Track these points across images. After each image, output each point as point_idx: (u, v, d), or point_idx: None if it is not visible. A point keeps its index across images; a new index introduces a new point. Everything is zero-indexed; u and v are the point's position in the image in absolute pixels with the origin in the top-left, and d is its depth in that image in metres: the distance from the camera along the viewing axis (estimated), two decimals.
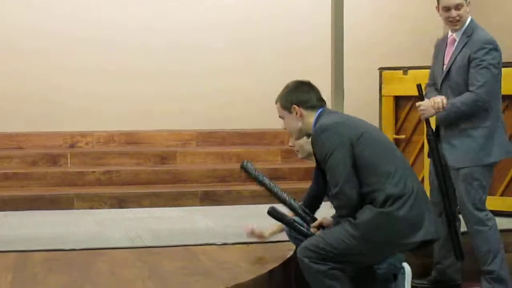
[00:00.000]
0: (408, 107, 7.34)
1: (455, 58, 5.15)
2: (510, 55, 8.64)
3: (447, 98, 5.07)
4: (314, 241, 4.39)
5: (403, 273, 4.82)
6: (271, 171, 9.12)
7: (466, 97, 5.03)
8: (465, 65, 5.07)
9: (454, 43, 5.20)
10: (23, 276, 4.97)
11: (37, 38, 10.63)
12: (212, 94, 11.00)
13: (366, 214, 4.24)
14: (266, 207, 8.03)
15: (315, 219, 4.64)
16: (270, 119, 10.50)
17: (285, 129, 4.70)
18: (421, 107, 5.13)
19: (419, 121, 7.26)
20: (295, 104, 4.50)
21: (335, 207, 4.40)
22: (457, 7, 5.12)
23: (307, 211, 4.81)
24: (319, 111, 4.49)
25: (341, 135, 4.24)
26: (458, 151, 5.10)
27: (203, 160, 9.52)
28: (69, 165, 9.15)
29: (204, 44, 11.06)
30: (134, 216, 7.62)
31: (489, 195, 6.89)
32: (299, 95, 4.53)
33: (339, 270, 4.28)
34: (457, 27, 5.18)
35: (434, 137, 5.15)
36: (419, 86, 5.18)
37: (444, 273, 5.60)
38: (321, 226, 4.54)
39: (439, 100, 5.01)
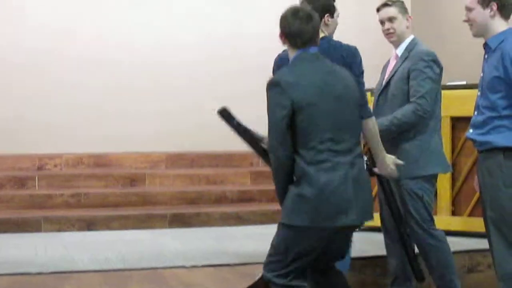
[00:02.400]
0: None
1: (395, 71, 5.19)
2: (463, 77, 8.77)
3: (383, 111, 5.10)
4: (268, 252, 4.24)
5: None
6: (240, 193, 9.14)
7: (406, 108, 5.02)
8: (404, 78, 5.10)
9: (396, 58, 5.27)
10: None
11: (4, 61, 10.57)
12: (181, 116, 10.98)
13: (287, 198, 4.07)
14: (235, 229, 8.08)
15: None
16: (238, 141, 10.62)
17: None
18: None
19: None
20: (287, 38, 4.14)
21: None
22: (390, 19, 5.21)
23: None
24: (298, 52, 4.13)
25: (286, 97, 3.98)
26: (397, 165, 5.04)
27: (172, 182, 9.50)
28: (37, 187, 9.09)
29: (174, 64, 11.05)
30: (103, 239, 7.57)
31: (457, 215, 7.01)
32: (290, 25, 4.08)
33: (300, 279, 4.12)
34: (393, 39, 5.25)
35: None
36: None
37: None
38: None
39: None
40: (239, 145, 10.52)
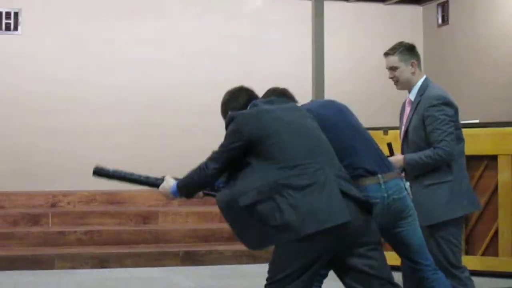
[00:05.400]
0: None
1: (411, 118, 5.17)
2: (492, 115, 8.79)
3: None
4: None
5: None
6: None
7: (429, 151, 4.95)
8: (420, 124, 5.07)
9: (411, 104, 5.25)
10: None
11: (18, 99, 10.68)
12: (194, 154, 10.99)
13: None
14: (248, 267, 8.07)
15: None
16: None
17: None
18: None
19: None
20: (230, 111, 4.32)
21: None
22: (392, 68, 5.20)
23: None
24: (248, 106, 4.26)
25: (243, 129, 3.99)
26: (425, 209, 5.02)
27: (185, 220, 9.52)
28: (50, 224, 9.12)
29: (185, 104, 11.14)
30: (115, 277, 7.58)
31: (470, 254, 6.99)
32: (229, 103, 4.38)
33: None
34: (399, 87, 5.24)
35: None
36: (389, 145, 5.20)
37: None
38: None
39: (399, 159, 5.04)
40: None
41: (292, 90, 4.72)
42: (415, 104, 5.14)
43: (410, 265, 4.56)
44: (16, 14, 10.93)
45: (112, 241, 8.75)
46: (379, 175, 4.31)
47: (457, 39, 11.45)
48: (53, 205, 9.73)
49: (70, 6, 11.08)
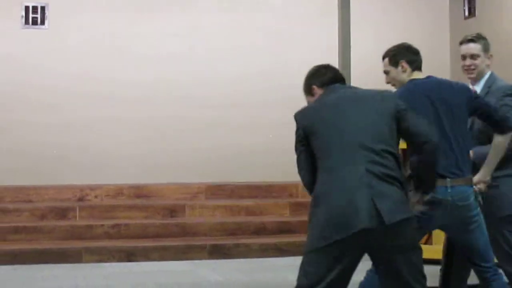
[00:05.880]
0: None
1: None
2: None
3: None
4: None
5: None
6: (279, 224, 9.12)
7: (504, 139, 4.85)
8: None
9: None
10: None
11: (47, 94, 10.72)
12: (221, 147, 11.03)
13: None
14: (275, 260, 8.07)
15: None
16: (278, 172, 10.67)
17: None
18: None
19: None
20: (314, 85, 4.40)
21: None
22: (472, 56, 5.13)
23: None
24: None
25: (299, 127, 4.10)
26: (492, 202, 4.86)
27: (212, 213, 9.52)
28: (77, 218, 9.16)
29: (211, 97, 11.13)
30: (143, 270, 7.61)
31: None
32: (311, 79, 4.44)
33: None
34: (472, 76, 5.14)
35: None
36: None
37: None
38: None
39: None
40: (279, 176, 10.59)
41: None
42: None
43: (471, 265, 4.59)
44: (43, 8, 10.94)
45: (139, 235, 8.77)
46: (448, 179, 4.30)
47: (484, 31, 11.32)
48: (81, 199, 9.77)
49: (97, 0, 11.10)
